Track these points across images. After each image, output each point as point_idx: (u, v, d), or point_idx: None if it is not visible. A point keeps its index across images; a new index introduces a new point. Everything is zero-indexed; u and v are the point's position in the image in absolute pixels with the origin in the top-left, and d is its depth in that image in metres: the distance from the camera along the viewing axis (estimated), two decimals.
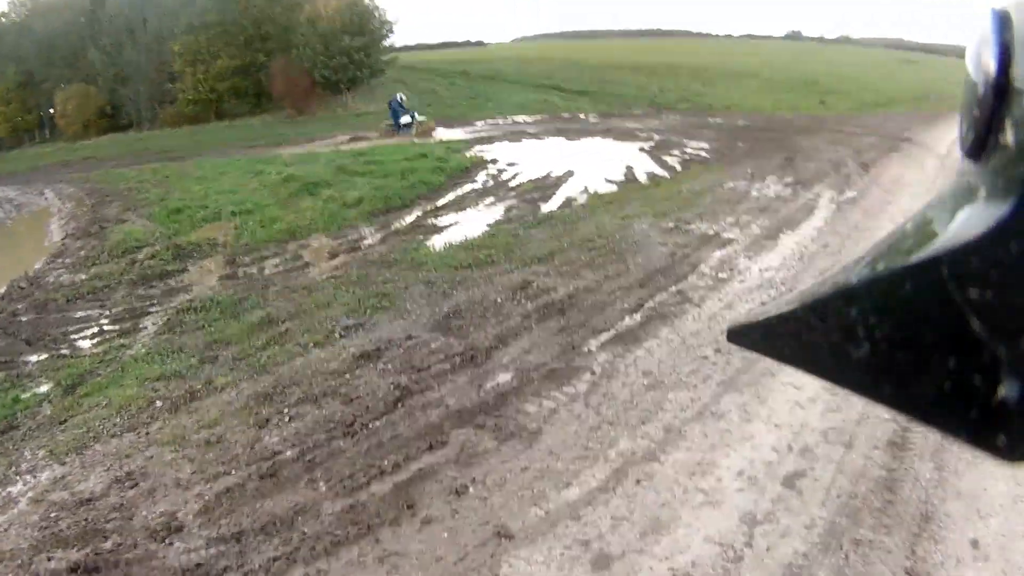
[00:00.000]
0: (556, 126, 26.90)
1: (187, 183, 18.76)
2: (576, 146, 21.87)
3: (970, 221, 0.41)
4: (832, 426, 5.41)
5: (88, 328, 8.87)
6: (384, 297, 8.63)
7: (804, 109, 32.10)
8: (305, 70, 40.74)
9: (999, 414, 0.38)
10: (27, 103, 49.47)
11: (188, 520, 4.66)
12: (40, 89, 48.78)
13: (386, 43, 45.92)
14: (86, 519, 4.79)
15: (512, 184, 15.93)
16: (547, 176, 16.50)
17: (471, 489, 4.82)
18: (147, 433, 5.89)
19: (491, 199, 14.52)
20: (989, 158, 0.45)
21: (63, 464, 5.55)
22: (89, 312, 9.40)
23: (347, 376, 6.59)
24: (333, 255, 11.17)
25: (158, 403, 6.41)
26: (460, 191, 15.56)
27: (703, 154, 18.98)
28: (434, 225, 12.60)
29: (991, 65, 0.44)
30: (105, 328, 8.81)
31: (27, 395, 7.07)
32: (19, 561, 4.47)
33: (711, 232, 10.64)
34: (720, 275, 8.77)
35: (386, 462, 5.14)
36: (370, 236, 12.17)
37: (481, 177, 17.08)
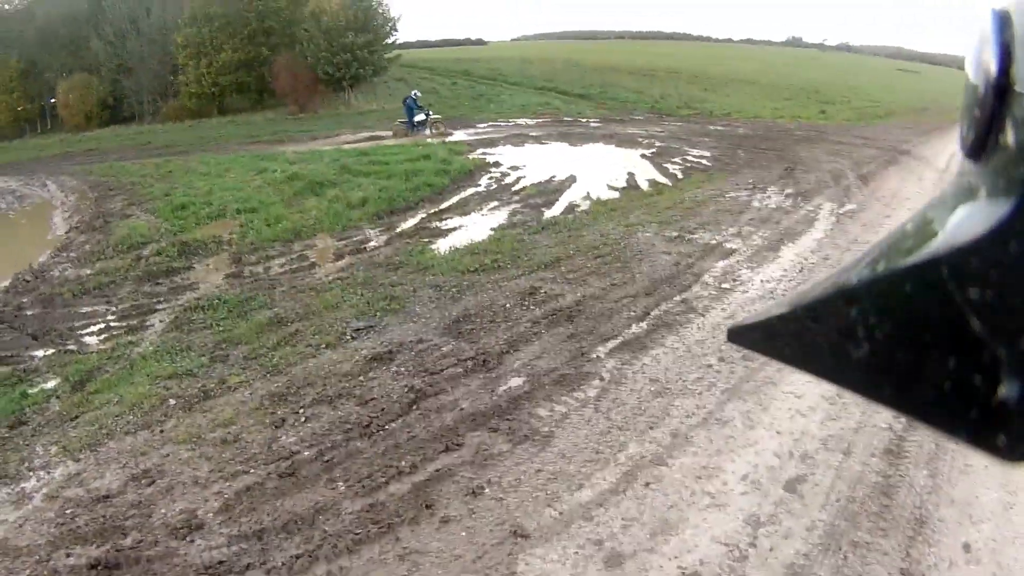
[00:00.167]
0: (558, 130, 26.92)
1: (191, 178, 18.78)
2: (578, 151, 21.92)
3: (970, 221, 0.42)
4: (831, 434, 5.56)
5: (95, 324, 8.90)
6: (393, 300, 8.70)
7: (805, 118, 32.12)
8: (308, 66, 40.62)
9: (999, 414, 0.39)
10: (29, 92, 48.68)
11: (208, 518, 4.72)
12: (42, 78, 48.02)
13: (389, 41, 45.84)
14: (104, 516, 4.84)
15: (515, 188, 15.98)
16: (550, 181, 16.55)
17: (487, 490, 4.92)
18: (162, 431, 5.94)
19: (495, 203, 14.57)
20: (989, 158, 0.45)
21: (77, 461, 5.60)
22: (95, 308, 9.43)
23: (361, 378, 6.66)
24: (339, 256, 11.22)
25: (171, 401, 6.46)
26: (464, 194, 15.62)
27: (704, 162, 19.05)
28: (439, 228, 12.67)
29: (991, 65, 0.44)
30: (112, 324, 8.84)
31: (35, 391, 7.10)
32: (36, 557, 4.51)
33: (714, 242, 10.73)
34: (723, 285, 8.87)
35: (403, 463, 5.23)
36: (375, 238, 12.24)
37: (484, 180, 17.13)
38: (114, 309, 9.37)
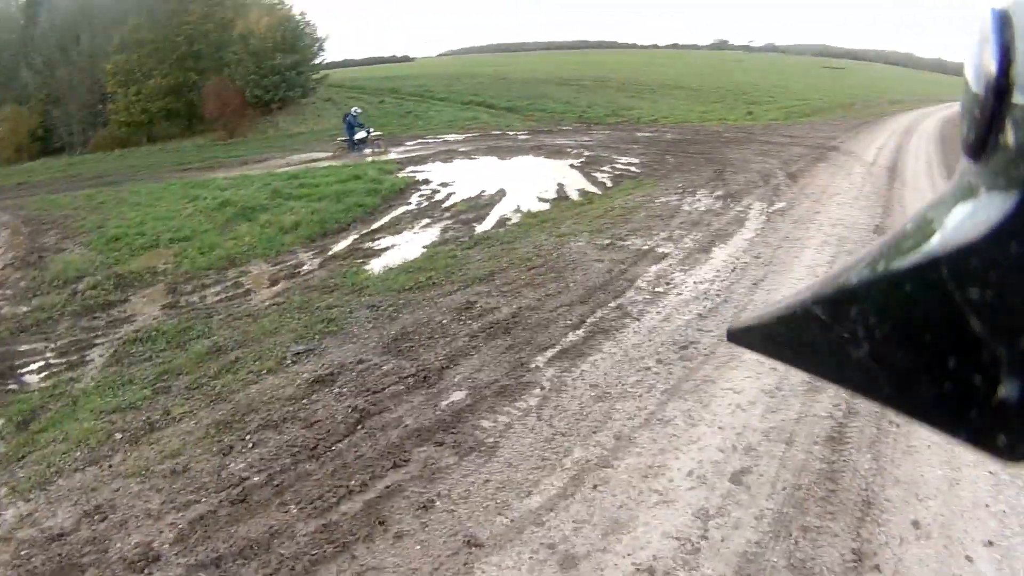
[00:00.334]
0: (487, 144, 26.96)
1: (123, 209, 18.49)
2: (507, 164, 22.04)
3: (970, 221, 0.42)
4: (773, 426, 5.76)
5: (35, 362, 8.82)
6: (330, 322, 8.76)
7: (732, 120, 32.69)
8: (237, 89, 40.31)
9: (999, 414, 0.39)
10: None
11: (164, 549, 4.76)
12: None
13: (317, 61, 45.73)
14: (60, 554, 4.84)
15: (446, 205, 16.07)
16: (480, 195, 16.69)
17: (438, 503, 5.02)
18: (110, 466, 5.93)
19: (426, 220, 14.64)
20: (989, 158, 0.45)
21: (28, 501, 5.56)
22: (34, 345, 9.33)
23: (304, 401, 6.72)
24: (274, 281, 11.23)
25: (117, 435, 6.46)
26: (395, 213, 15.64)
27: (633, 169, 19.33)
28: (372, 248, 12.71)
29: (991, 65, 0.44)
30: (52, 361, 8.76)
31: None
32: None
33: (646, 247, 10.96)
34: (657, 289, 9.08)
35: (353, 481, 5.31)
36: (309, 261, 12.25)
37: (415, 198, 17.16)
38: (53, 346, 9.27)
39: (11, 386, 8.16)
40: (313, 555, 4.55)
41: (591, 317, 8.29)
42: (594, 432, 5.82)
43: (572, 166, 20.48)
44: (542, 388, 6.66)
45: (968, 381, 0.40)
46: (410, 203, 16.64)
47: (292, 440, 5.99)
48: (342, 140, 27.24)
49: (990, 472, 4.96)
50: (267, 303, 9.94)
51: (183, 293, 11.03)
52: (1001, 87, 0.43)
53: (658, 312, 8.33)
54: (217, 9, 44.04)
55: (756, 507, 4.76)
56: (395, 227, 14.28)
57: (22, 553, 4.91)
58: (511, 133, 31.05)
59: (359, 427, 6.13)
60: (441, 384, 6.86)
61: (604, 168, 19.68)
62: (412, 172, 20.95)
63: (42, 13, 45.93)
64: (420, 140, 29.88)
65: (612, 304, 8.65)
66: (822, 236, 11.26)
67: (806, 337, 0.52)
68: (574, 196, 16.08)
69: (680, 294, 8.86)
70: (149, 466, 5.82)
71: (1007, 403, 0.38)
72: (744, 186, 15.66)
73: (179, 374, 7.76)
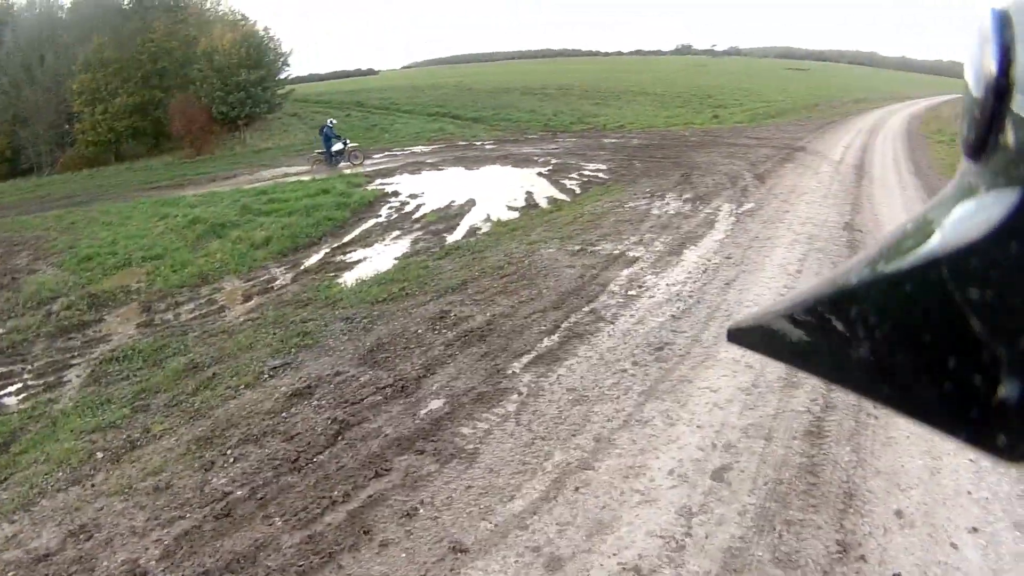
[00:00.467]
0: (454, 155, 27.01)
1: (94, 229, 18.37)
2: (475, 174, 22.16)
3: (970, 221, 0.42)
4: (751, 422, 5.87)
5: (12, 384, 8.79)
6: (306, 336, 8.80)
7: (698, 124, 32.96)
8: (203, 106, 40.05)
9: (999, 414, 0.39)
10: None
11: (151, 566, 4.79)
12: None
13: (282, 76, 45.61)
14: (47, 575, 4.86)
15: (416, 216, 16.16)
16: (450, 206, 16.79)
17: (421, 510, 5.08)
18: (93, 485, 5.94)
19: (397, 232, 14.73)
20: (989, 158, 0.45)
21: (12, 523, 5.56)
22: (11, 368, 9.28)
23: (283, 415, 6.76)
24: (248, 297, 11.28)
25: (98, 455, 6.46)
26: (365, 226, 15.73)
27: (601, 175, 19.53)
28: (344, 261, 12.79)
29: (991, 65, 0.45)
30: (30, 383, 8.73)
31: None
32: None
33: (617, 252, 11.10)
34: (629, 292, 9.21)
35: (336, 492, 5.36)
36: (282, 276, 12.31)
37: (384, 211, 17.24)
38: (30, 367, 9.24)
39: None
40: (300, 566, 4.59)
41: (565, 322, 8.38)
42: (573, 435, 5.90)
43: (540, 174, 20.67)
44: (520, 394, 6.73)
45: (968, 381, 0.40)
46: (380, 215, 16.72)
47: (273, 453, 6.03)
48: (319, 153, 26.94)
49: (970, 460, 5.10)
50: (242, 319, 9.97)
51: (157, 311, 11.03)
52: (1001, 87, 0.44)
53: (632, 315, 8.44)
54: (181, 26, 43.89)
55: (738, 503, 4.85)
56: (366, 240, 14.36)
57: (9, 575, 4.90)
58: (478, 143, 31.09)
59: (339, 438, 6.17)
60: (419, 393, 6.93)
61: (572, 175, 19.87)
62: (381, 184, 21.03)
63: (6, 33, 45.33)
64: (387, 152, 29.81)
65: (586, 309, 8.76)
66: (792, 235, 11.42)
67: (806, 337, 0.53)
68: (543, 204, 16.25)
69: (653, 297, 8.98)
70: (132, 484, 5.83)
71: (1007, 403, 0.39)
72: (712, 188, 15.86)
73: (157, 392, 7.77)
